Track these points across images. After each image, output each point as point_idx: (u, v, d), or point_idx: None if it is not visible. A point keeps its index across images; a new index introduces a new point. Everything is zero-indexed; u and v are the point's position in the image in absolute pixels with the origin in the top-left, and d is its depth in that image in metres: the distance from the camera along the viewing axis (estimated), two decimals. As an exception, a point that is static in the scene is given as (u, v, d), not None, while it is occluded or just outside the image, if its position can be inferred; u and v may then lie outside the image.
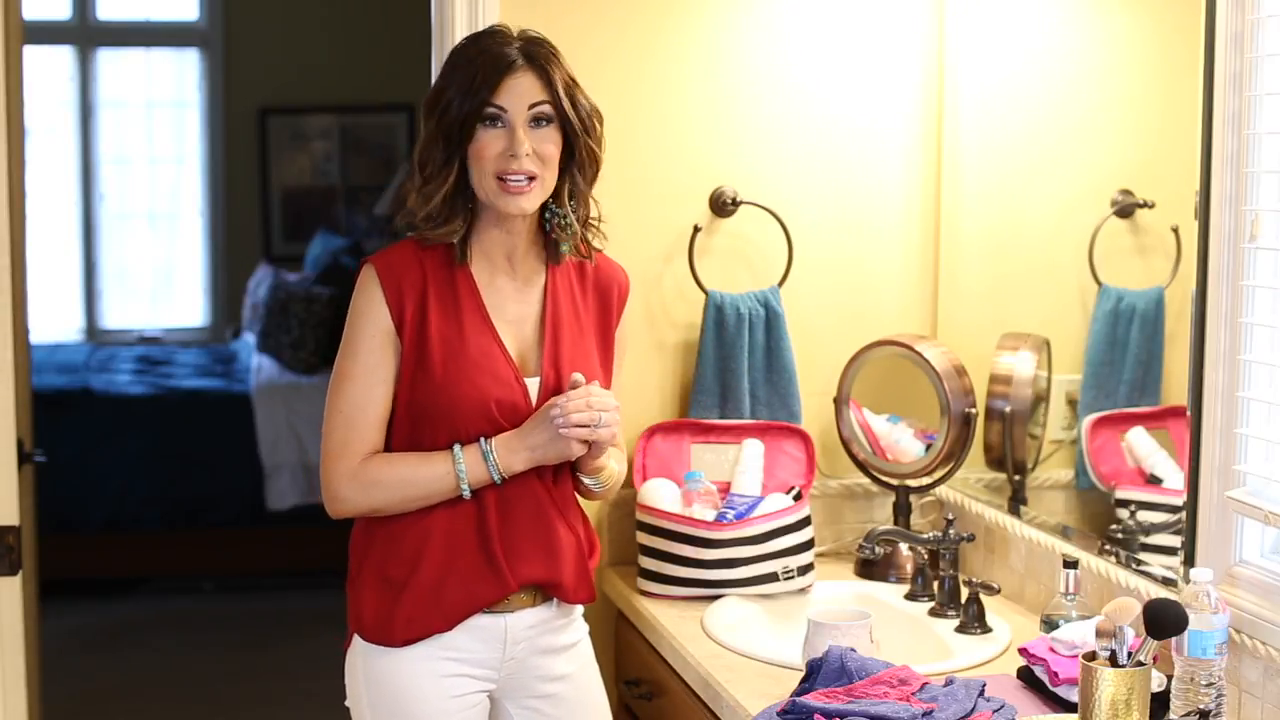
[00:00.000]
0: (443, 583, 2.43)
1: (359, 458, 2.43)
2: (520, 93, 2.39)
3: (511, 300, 2.49)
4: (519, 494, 2.45)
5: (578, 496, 2.57)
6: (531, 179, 2.39)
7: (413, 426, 2.45)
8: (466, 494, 2.42)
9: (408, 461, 2.43)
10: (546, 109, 2.40)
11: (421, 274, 2.44)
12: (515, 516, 2.46)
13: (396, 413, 2.46)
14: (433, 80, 3.15)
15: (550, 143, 2.41)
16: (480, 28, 3.00)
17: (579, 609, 2.59)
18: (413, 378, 2.43)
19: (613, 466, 2.55)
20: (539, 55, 2.41)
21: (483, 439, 2.42)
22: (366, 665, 2.47)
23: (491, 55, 2.40)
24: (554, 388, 2.46)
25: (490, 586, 2.44)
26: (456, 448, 2.42)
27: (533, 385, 2.46)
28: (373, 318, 2.44)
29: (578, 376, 2.44)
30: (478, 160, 2.40)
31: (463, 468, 2.41)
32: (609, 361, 2.57)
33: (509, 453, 2.42)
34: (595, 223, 2.53)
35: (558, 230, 2.48)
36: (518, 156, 2.37)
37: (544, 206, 2.47)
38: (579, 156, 2.45)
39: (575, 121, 2.42)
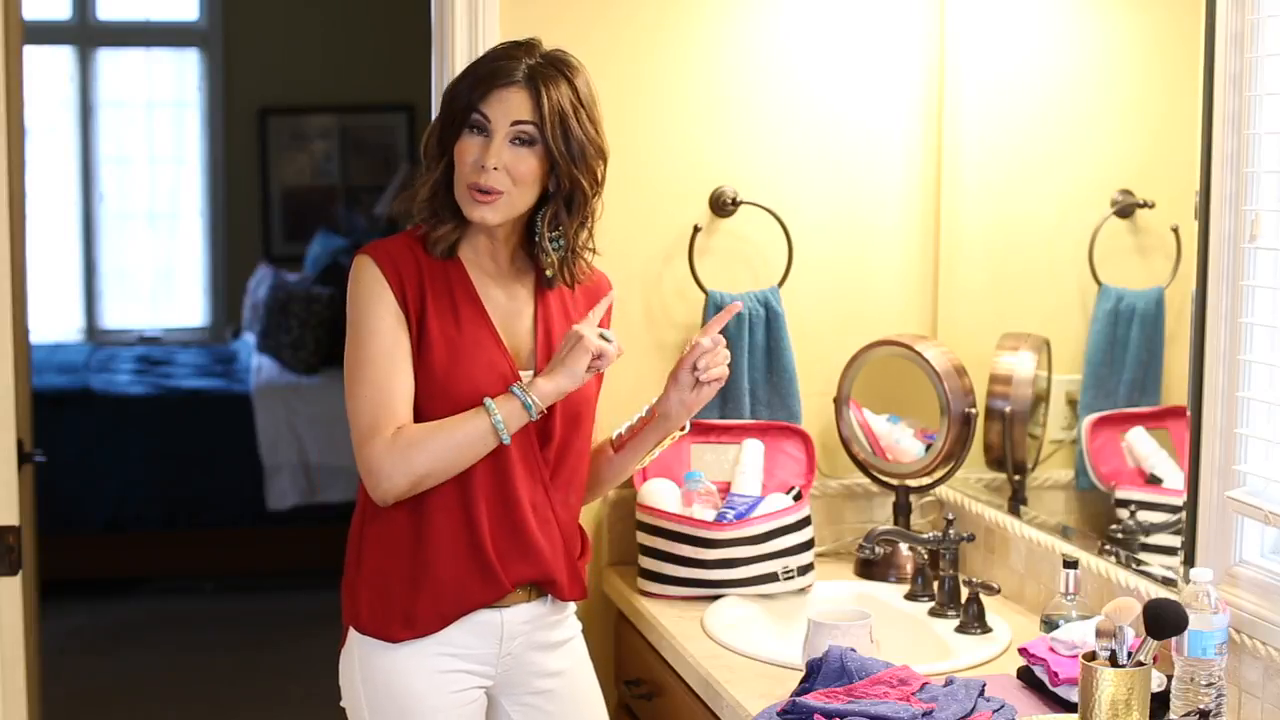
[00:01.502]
0: (438, 582, 2.44)
1: (391, 431, 2.40)
2: (507, 107, 2.38)
3: (502, 298, 2.50)
4: (512, 492, 2.45)
5: (570, 500, 2.57)
6: (498, 193, 2.39)
7: (421, 412, 2.44)
8: (504, 435, 2.38)
9: (439, 422, 2.40)
10: (529, 129, 2.39)
11: (417, 265, 2.45)
12: (508, 515, 2.45)
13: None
14: (433, 80, 3.17)
15: (526, 164, 2.39)
16: (480, 28, 3.02)
17: (570, 606, 2.59)
18: (418, 365, 2.43)
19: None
20: (542, 75, 2.39)
21: (518, 382, 2.41)
22: (363, 663, 2.47)
23: (498, 65, 2.40)
24: None
25: (484, 588, 2.45)
26: (486, 398, 2.40)
27: (528, 379, 2.46)
28: (381, 300, 2.41)
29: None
30: (458, 162, 2.41)
31: (493, 406, 2.38)
32: None
33: (534, 382, 2.40)
34: (585, 254, 2.51)
35: (540, 254, 2.48)
36: (485, 169, 2.37)
37: (531, 222, 2.48)
38: (561, 186, 2.43)
39: (558, 149, 2.39)
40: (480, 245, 2.49)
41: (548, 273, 2.49)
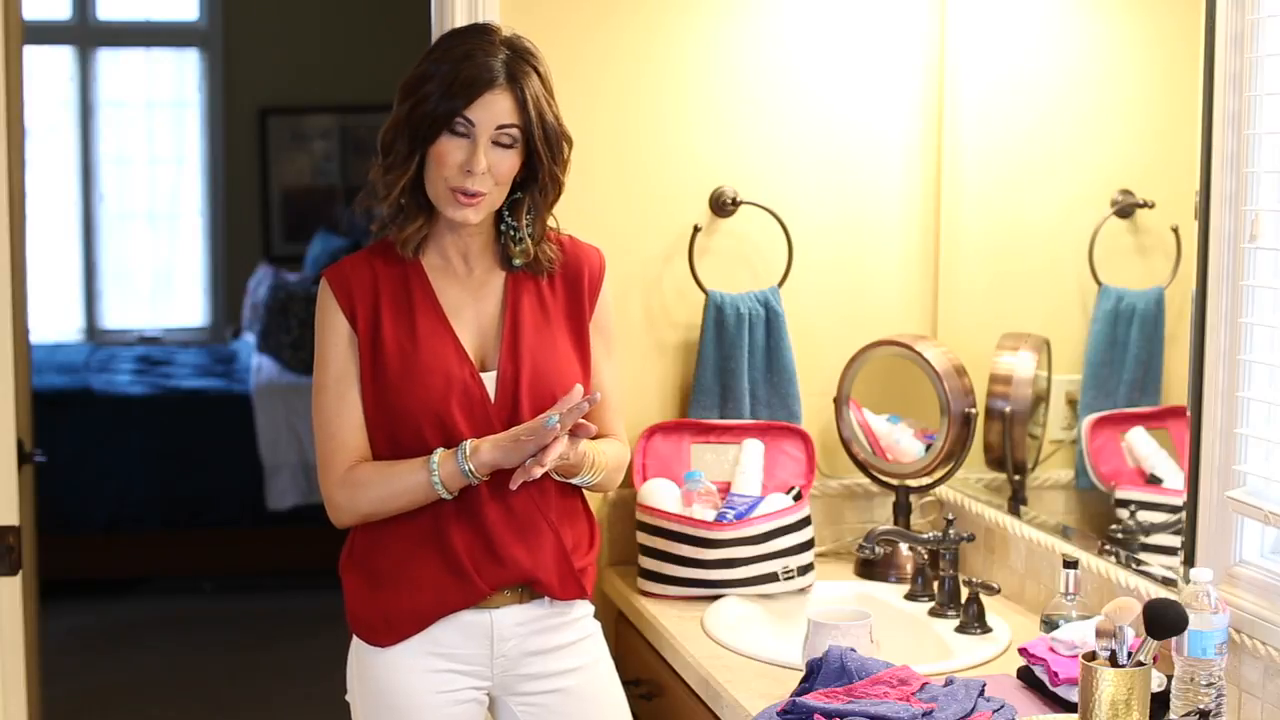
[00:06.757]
0: (414, 586, 2.45)
1: (347, 463, 2.46)
2: (493, 112, 2.38)
3: (470, 296, 2.50)
4: (479, 497, 2.45)
5: (583, 492, 2.57)
6: (482, 195, 2.40)
7: (384, 428, 2.46)
8: (442, 493, 2.41)
9: (391, 465, 2.45)
10: (514, 132, 2.40)
11: (372, 276, 2.47)
12: (477, 520, 2.45)
13: (367, 416, 2.47)
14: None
15: (508, 164, 2.41)
16: (480, 28, 3.00)
17: (580, 607, 2.58)
18: (372, 381, 2.45)
19: (599, 459, 2.51)
20: (519, 73, 2.40)
21: (468, 442, 2.40)
22: (360, 662, 2.50)
23: (476, 64, 2.38)
24: (512, 381, 2.45)
25: (460, 592, 2.45)
26: (438, 451, 2.42)
27: (490, 379, 2.46)
28: (332, 327, 2.47)
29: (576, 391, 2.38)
30: (436, 163, 2.41)
31: (435, 464, 2.40)
32: (586, 349, 2.55)
33: (478, 449, 2.39)
34: (550, 242, 2.52)
35: (510, 244, 2.49)
36: (474, 174, 2.38)
37: (500, 214, 2.48)
38: (540, 180, 2.45)
39: (541, 148, 2.42)
40: (447, 243, 2.49)
41: (516, 261, 2.49)
